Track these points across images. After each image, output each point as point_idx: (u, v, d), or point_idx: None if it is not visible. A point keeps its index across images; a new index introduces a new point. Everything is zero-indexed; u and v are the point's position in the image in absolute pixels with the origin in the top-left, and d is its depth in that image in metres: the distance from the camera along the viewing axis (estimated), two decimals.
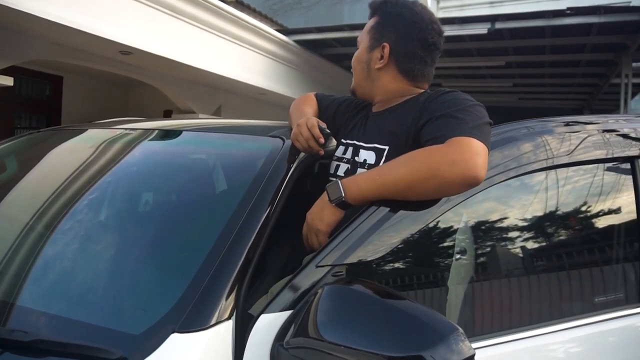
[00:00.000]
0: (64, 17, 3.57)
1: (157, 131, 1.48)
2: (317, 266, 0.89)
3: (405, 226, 0.97)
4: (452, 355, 0.68)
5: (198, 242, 0.98)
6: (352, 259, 0.91)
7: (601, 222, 1.29)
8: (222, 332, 0.81)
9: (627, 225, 1.26)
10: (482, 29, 5.34)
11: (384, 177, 1.02)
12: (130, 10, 4.13)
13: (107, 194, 1.25)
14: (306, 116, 1.27)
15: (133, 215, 1.25)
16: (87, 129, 1.79)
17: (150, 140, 1.43)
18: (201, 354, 0.79)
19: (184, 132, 1.53)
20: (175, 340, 0.78)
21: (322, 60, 7.05)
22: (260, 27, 5.80)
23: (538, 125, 1.26)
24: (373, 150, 1.20)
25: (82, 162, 1.34)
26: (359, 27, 5.84)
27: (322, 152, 1.21)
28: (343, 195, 1.02)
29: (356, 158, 1.23)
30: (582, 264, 1.24)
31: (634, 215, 1.23)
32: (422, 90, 1.30)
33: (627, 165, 1.25)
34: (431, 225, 1.01)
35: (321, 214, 1.04)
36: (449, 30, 5.59)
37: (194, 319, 0.80)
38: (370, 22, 1.32)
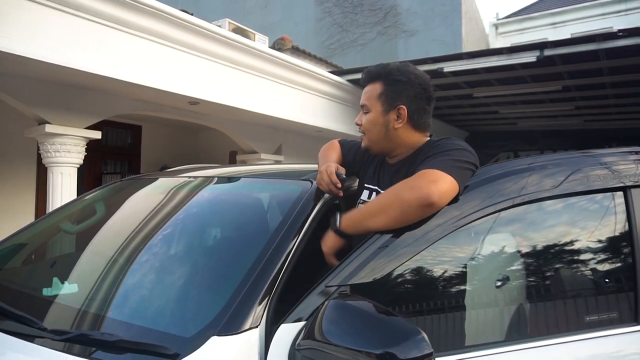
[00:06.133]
0: (141, 78, 4.14)
1: (210, 178, 1.82)
2: (327, 286, 1.12)
3: (399, 254, 1.17)
4: (414, 351, 0.88)
5: (236, 267, 1.25)
6: (354, 280, 1.13)
7: (598, 249, 1.40)
8: (251, 337, 1.06)
9: (622, 248, 1.36)
10: (530, 57, 5.37)
11: (366, 206, 1.28)
12: (195, 65, 4.67)
13: (169, 231, 1.57)
14: (328, 163, 1.53)
15: (188, 247, 1.56)
16: (157, 178, 2.17)
17: (204, 186, 1.78)
18: (234, 353, 1.03)
19: (232, 179, 1.86)
20: (215, 342, 1.03)
21: None
22: (315, 71, 6.21)
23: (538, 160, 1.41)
24: None
25: (151, 206, 1.69)
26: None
27: (340, 194, 1.45)
28: (338, 224, 1.28)
29: None
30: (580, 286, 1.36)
31: (628, 240, 1.34)
32: (428, 139, 1.52)
33: (621, 195, 1.37)
34: (423, 252, 1.20)
35: (325, 239, 1.30)
36: (497, 61, 5.68)
37: (229, 326, 1.05)
38: (375, 89, 1.50)
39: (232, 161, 7.55)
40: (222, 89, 5.01)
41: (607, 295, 1.34)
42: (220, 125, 6.14)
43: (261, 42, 6.18)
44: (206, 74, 4.81)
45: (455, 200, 1.23)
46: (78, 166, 4.56)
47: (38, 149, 4.68)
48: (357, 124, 1.56)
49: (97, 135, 4.58)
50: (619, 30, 4.91)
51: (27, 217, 6.03)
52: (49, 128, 4.21)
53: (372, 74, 1.53)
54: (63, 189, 4.40)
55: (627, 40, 4.96)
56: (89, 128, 4.56)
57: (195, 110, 5.49)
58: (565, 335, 1.22)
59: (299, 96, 6.15)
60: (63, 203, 4.32)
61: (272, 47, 6.64)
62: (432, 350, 0.90)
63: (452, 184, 1.21)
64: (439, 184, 1.19)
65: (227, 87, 5.07)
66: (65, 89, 4.32)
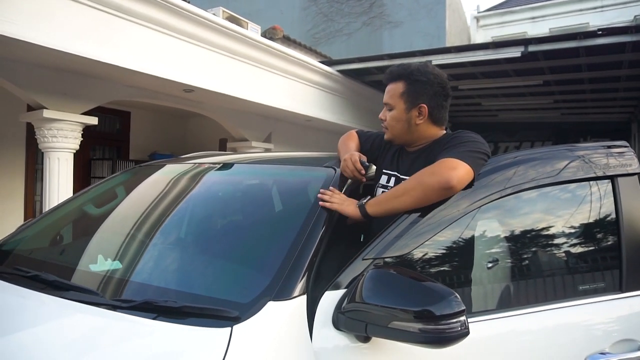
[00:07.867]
0: (139, 65, 4.20)
1: (242, 165, 2.01)
2: (363, 259, 1.29)
3: (424, 232, 1.35)
4: (447, 309, 1.05)
5: (282, 244, 1.39)
6: (387, 254, 1.30)
7: (591, 230, 1.61)
8: (300, 302, 1.22)
9: (609, 230, 1.58)
10: (515, 52, 5.60)
11: (390, 191, 1.46)
12: (191, 53, 4.73)
13: (215, 209, 1.78)
14: (350, 152, 1.69)
15: (235, 224, 1.74)
16: (181, 162, 2.27)
17: (238, 171, 1.99)
18: (288, 316, 1.19)
19: (261, 165, 2.05)
20: (271, 306, 1.18)
21: (364, 87, 7.49)
22: (306, 61, 6.32)
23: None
24: None
25: (193, 186, 1.91)
26: (397, 56, 6.26)
27: (364, 180, 1.62)
28: (364, 202, 1.47)
29: None
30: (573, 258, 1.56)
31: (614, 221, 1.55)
32: (444, 132, 1.69)
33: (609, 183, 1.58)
34: (442, 231, 1.38)
35: (345, 204, 1.48)
36: (483, 55, 5.89)
37: (282, 293, 1.21)
38: (398, 88, 1.65)
39: (223, 148, 7.62)
40: (217, 76, 5.08)
41: (597, 269, 1.55)
42: (213, 112, 6.20)
43: (254, 30, 6.24)
44: (202, 62, 4.88)
45: (469, 186, 1.41)
46: (74, 151, 4.59)
47: (32, 134, 4.69)
48: (381, 119, 1.72)
49: (93, 121, 4.62)
50: (599, 29, 5.17)
51: (16, 202, 6.01)
52: (46, 113, 4.23)
53: (394, 74, 1.68)
54: (60, 174, 4.44)
55: (605, 38, 5.23)
56: (83, 114, 4.59)
57: (190, 98, 5.55)
58: (563, 301, 1.43)
59: (290, 85, 6.25)
60: (60, 187, 4.37)
61: (264, 35, 6.70)
62: (464, 307, 1.07)
63: (468, 171, 1.39)
64: (457, 170, 1.37)
65: (222, 75, 5.14)
66: (62, 75, 4.34)
